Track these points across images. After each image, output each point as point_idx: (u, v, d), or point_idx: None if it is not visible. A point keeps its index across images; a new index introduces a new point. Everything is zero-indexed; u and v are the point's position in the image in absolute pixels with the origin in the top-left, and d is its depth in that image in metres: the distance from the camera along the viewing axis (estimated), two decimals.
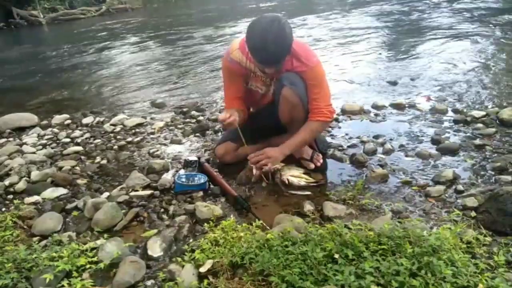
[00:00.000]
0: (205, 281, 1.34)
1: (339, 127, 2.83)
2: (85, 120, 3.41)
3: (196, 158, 2.31)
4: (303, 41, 2.35)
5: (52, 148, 2.88)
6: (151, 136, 2.98)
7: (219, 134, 2.86)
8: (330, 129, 2.80)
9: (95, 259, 1.50)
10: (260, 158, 2.03)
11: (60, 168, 2.49)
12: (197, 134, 2.92)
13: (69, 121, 3.43)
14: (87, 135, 3.08)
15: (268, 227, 1.65)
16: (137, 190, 2.12)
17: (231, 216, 1.82)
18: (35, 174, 2.38)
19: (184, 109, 3.48)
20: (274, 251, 1.36)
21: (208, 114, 3.35)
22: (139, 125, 3.23)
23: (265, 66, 1.93)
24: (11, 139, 3.14)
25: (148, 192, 2.09)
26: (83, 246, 1.58)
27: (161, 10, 16.07)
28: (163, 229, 1.75)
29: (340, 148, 2.49)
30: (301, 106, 2.04)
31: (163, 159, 2.51)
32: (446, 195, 1.88)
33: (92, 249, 1.58)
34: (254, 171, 2.12)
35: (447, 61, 4.30)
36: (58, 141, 3.01)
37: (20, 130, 3.32)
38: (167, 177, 2.22)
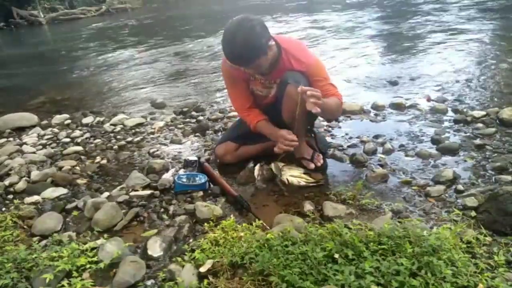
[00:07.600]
0: (205, 281, 1.34)
1: (339, 127, 2.83)
2: (85, 120, 3.42)
3: (196, 158, 2.31)
4: (299, 41, 2.35)
5: (52, 148, 2.88)
6: (151, 136, 2.98)
7: (219, 134, 2.87)
8: (330, 129, 2.80)
9: (95, 259, 1.50)
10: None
11: (60, 168, 2.49)
12: (197, 134, 2.92)
13: (69, 121, 3.43)
14: (87, 135, 3.08)
15: (268, 227, 1.65)
16: (137, 190, 2.12)
17: (231, 216, 1.81)
18: (35, 174, 2.38)
19: (184, 109, 3.48)
20: (274, 251, 1.36)
21: (208, 114, 3.35)
22: (139, 125, 3.23)
23: (238, 66, 1.95)
24: (11, 139, 3.15)
25: (148, 192, 2.09)
26: (83, 246, 1.58)
27: (161, 10, 16.07)
28: (163, 229, 1.75)
29: (340, 148, 2.49)
30: (304, 104, 2.04)
31: (163, 159, 2.51)
32: (446, 195, 1.88)
33: (92, 249, 1.58)
34: (256, 171, 2.11)
35: (447, 61, 4.29)
36: (58, 141, 3.01)
37: (20, 130, 3.33)
38: (167, 177, 2.22)
